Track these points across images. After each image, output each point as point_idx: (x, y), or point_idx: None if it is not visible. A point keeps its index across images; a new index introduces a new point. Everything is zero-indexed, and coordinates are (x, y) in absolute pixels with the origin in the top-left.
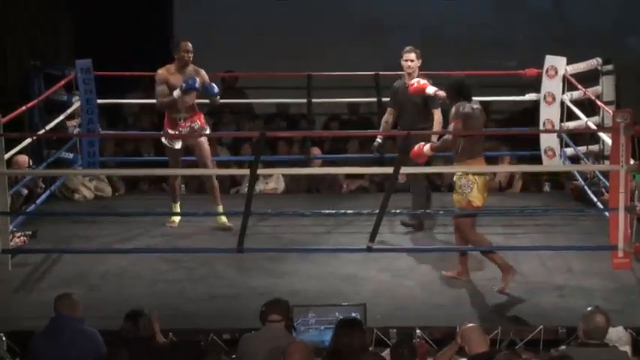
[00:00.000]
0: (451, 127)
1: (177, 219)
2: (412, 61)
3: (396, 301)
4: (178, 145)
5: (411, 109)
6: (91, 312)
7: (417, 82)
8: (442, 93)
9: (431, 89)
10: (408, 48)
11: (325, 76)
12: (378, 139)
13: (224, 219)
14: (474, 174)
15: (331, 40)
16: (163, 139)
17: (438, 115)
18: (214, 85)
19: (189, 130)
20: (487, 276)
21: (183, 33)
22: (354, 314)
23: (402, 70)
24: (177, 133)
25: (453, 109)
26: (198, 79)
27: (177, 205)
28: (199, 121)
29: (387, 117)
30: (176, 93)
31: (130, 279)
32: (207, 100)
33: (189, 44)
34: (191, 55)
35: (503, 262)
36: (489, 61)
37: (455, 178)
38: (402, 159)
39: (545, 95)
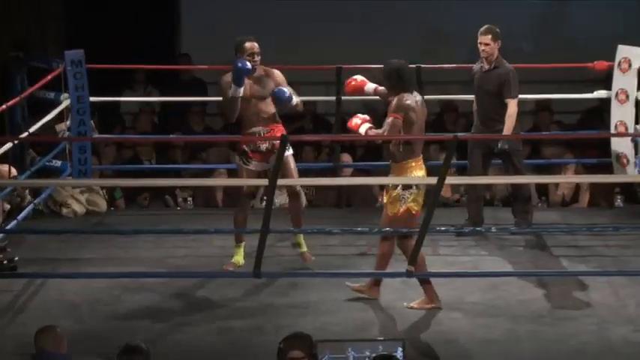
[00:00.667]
0: (388, 120)
1: (241, 260)
2: (487, 44)
3: (440, 336)
4: (256, 165)
5: (485, 97)
6: (80, 347)
7: (355, 79)
8: (383, 88)
9: (370, 86)
10: (483, 28)
11: (358, 69)
12: None
13: (305, 248)
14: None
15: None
16: (237, 159)
17: (512, 106)
18: (284, 89)
19: (270, 147)
20: (546, 307)
21: (191, 21)
22: (399, 351)
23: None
24: (256, 152)
25: (395, 101)
26: (247, 62)
27: (242, 245)
28: None
29: (475, 105)
30: (231, 90)
31: (126, 308)
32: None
33: (256, 44)
34: (258, 57)
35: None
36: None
37: (390, 187)
38: (446, 167)
39: (617, 92)
